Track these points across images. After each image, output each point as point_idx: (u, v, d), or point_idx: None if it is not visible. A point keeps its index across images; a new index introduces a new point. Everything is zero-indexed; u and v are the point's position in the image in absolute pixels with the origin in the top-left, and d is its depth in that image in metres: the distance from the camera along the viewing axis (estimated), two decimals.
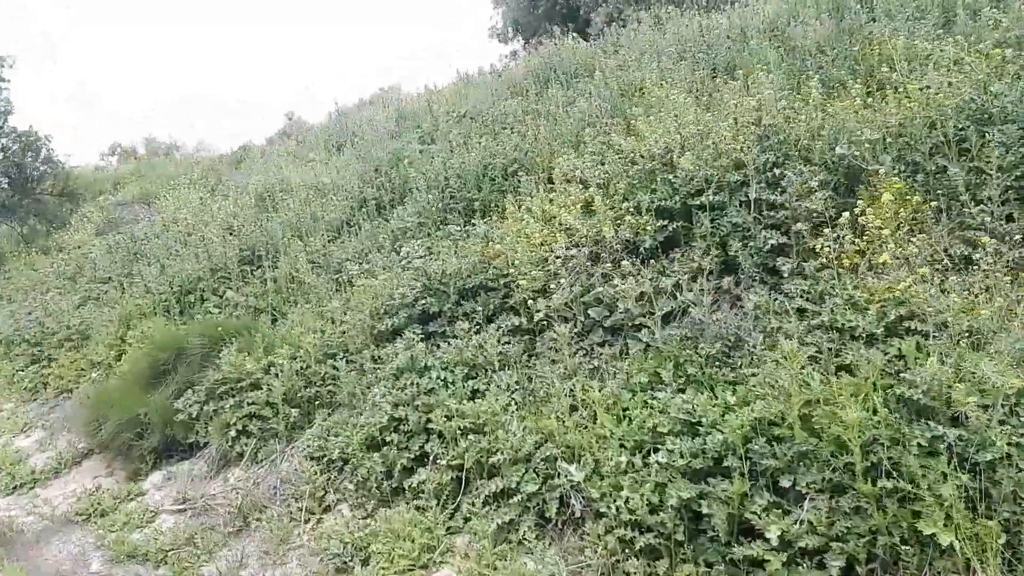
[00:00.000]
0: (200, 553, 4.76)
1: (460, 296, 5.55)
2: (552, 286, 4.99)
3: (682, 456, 3.28)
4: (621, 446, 3.65)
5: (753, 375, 3.70)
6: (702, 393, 3.71)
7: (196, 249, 8.43)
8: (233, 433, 5.63)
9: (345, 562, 4.14)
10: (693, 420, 3.44)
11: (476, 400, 4.49)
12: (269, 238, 8.17)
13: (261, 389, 5.70)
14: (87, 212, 15.94)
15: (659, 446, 3.45)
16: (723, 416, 3.36)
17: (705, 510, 3.13)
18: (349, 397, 5.33)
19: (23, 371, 8.92)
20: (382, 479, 4.51)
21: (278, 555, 4.51)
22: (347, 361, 5.58)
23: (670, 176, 5.04)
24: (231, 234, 8.55)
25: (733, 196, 4.70)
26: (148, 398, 6.30)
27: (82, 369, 8.02)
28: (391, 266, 6.43)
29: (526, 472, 3.93)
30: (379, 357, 5.42)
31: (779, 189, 4.50)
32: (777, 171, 4.60)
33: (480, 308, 5.41)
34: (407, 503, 4.37)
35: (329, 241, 7.97)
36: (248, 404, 5.68)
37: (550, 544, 3.76)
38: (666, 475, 3.30)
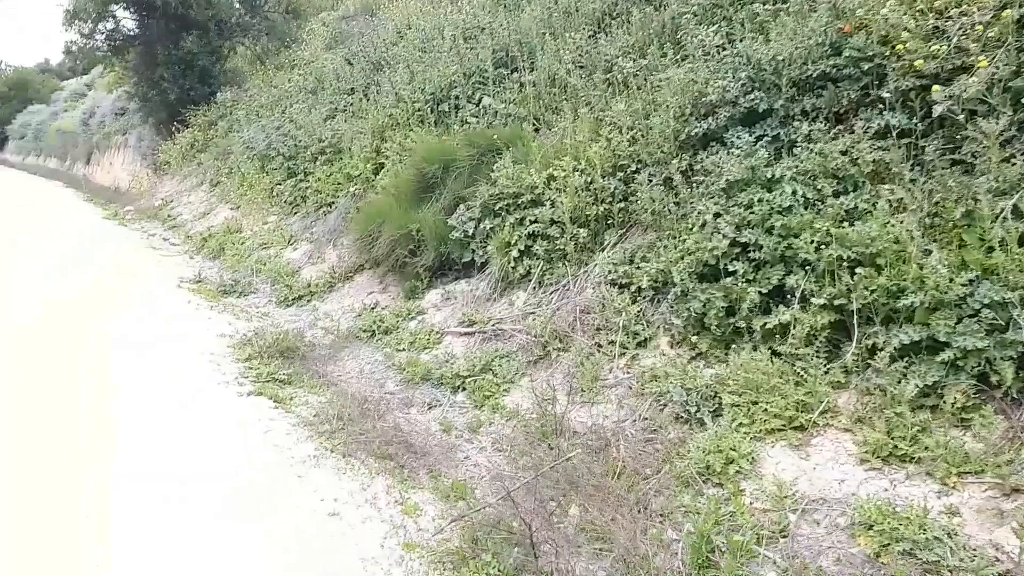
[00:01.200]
0: (499, 383, 4.33)
1: (796, 89, 4.31)
2: (954, 68, 3.60)
3: None
4: None
5: None
6: None
7: (443, 54, 7.67)
8: (515, 253, 5.06)
9: (688, 411, 3.44)
10: None
11: (854, 223, 3.40)
12: (522, 37, 7.17)
13: (544, 205, 4.99)
14: (313, 28, 15.81)
15: None
16: None
17: None
18: (654, 217, 4.46)
19: (281, 184, 9.03)
20: (722, 316, 3.67)
21: (591, 392, 3.93)
22: (648, 175, 4.66)
23: None
24: (481, 31, 7.65)
25: None
26: (417, 214, 5.88)
27: (339, 183, 7.85)
28: (689, 57, 5.24)
29: (959, 322, 2.88)
30: (692, 168, 4.43)
31: None
32: None
33: (827, 104, 4.16)
34: (755, 347, 3.53)
35: (590, 36, 6.83)
36: (530, 222, 5.03)
37: (1000, 419, 2.76)
38: None
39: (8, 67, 50.70)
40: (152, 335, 5.59)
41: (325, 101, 9.60)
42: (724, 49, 4.93)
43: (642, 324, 4.14)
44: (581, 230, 4.85)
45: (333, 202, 7.81)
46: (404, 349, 5.08)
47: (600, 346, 4.20)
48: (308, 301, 6.49)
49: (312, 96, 10.44)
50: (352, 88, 9.28)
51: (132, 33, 15.73)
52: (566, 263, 4.87)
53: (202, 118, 14.18)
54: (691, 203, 4.21)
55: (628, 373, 3.98)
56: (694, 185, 4.32)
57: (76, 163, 27.88)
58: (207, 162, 12.86)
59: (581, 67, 6.50)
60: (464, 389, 4.42)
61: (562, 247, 4.90)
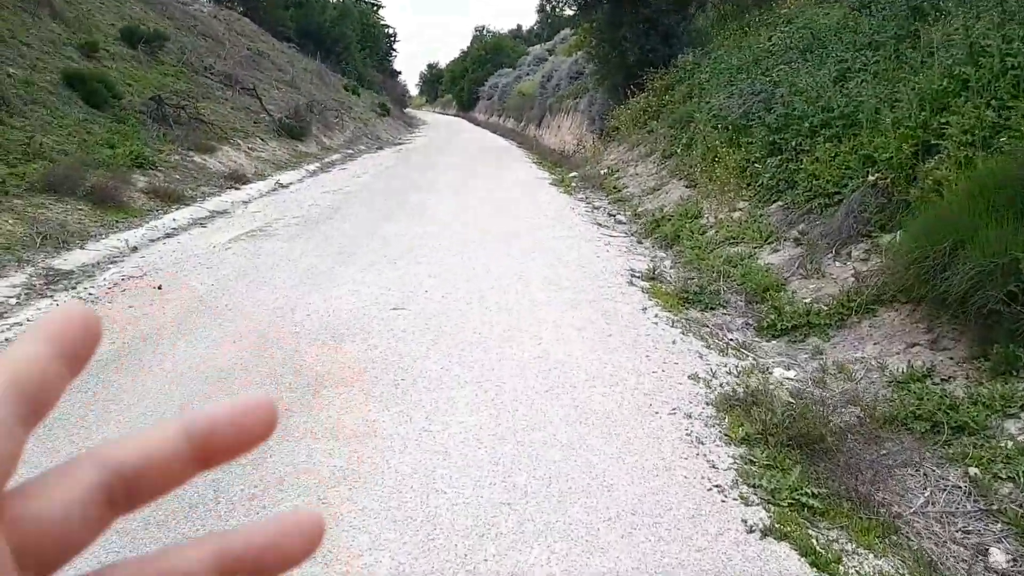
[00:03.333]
0: None
1: None
2: None
3: None
4: None
5: None
6: None
7: None
8: None
9: None
10: None
11: None
12: None
13: None
14: None
15: None
16: None
17: None
18: None
19: (759, 163, 7.25)
20: None
21: None
22: None
23: None
24: None
25: None
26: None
27: (849, 167, 5.77)
28: None
29: None
30: None
31: None
32: None
33: None
34: None
35: None
36: None
37: None
38: None
39: (488, 33, 58.02)
40: (609, 364, 4.32)
41: (829, 60, 7.44)
42: None
43: None
44: None
45: (837, 192, 5.77)
46: (1010, 478, 2.94)
47: None
48: (805, 336, 4.63)
49: (804, 56, 8.36)
50: (872, 43, 6.97)
51: None
52: None
53: (659, 82, 13.09)
54: None
55: None
56: None
57: (529, 124, 30.02)
58: (659, 130, 11.71)
59: None
60: None
61: None
